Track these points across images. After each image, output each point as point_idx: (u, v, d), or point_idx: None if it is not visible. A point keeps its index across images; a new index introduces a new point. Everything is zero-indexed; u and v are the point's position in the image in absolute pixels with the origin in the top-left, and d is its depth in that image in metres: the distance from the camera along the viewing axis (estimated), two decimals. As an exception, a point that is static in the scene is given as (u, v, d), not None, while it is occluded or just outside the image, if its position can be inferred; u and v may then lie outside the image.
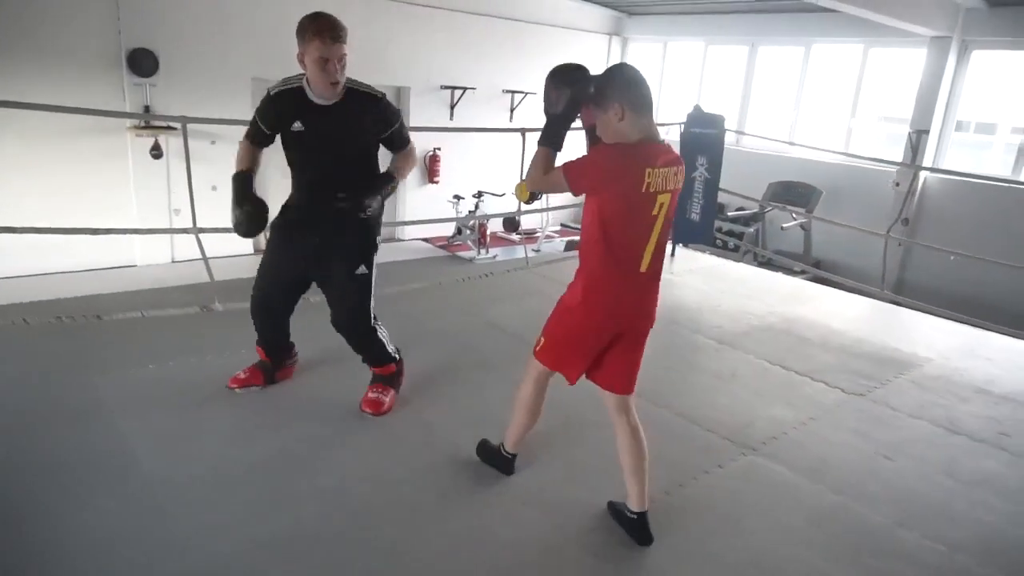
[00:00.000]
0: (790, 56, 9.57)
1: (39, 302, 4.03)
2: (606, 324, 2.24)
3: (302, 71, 2.57)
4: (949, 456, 3.16)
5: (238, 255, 7.56)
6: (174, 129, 6.98)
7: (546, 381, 2.45)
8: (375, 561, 2.19)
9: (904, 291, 7.38)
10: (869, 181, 8.43)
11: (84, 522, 2.23)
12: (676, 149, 2.36)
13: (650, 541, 2.34)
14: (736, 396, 3.58)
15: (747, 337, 4.42)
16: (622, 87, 2.14)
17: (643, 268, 2.19)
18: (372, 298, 2.89)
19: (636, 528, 2.35)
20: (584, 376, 2.38)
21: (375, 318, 2.94)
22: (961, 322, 5.07)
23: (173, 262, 7.64)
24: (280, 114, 2.64)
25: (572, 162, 2.15)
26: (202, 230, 3.96)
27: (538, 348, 2.38)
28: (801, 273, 7.15)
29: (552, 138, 2.23)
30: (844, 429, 3.33)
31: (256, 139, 2.73)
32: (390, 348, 3.02)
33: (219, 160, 7.75)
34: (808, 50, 9.31)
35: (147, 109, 7.12)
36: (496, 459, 2.65)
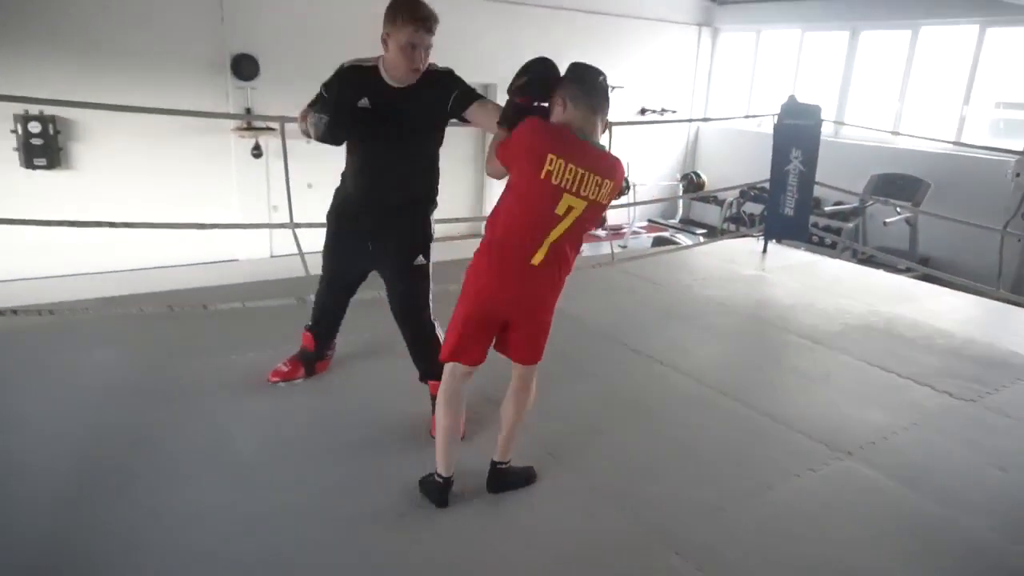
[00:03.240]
0: (895, 40, 9.03)
1: (153, 293, 4.31)
2: (488, 309, 2.20)
3: (381, 52, 2.53)
4: (1072, 470, 2.91)
5: (331, 250, 7.90)
6: (273, 130, 7.32)
7: (459, 377, 2.31)
8: (443, 550, 2.23)
9: None
10: (984, 172, 7.82)
11: (180, 494, 2.39)
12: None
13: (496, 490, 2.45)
14: (829, 398, 3.42)
15: (843, 337, 4.21)
16: (569, 81, 2.13)
17: (535, 262, 2.12)
18: (430, 291, 2.81)
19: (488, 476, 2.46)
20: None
21: (434, 317, 2.84)
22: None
23: (272, 257, 8.01)
24: (347, 87, 2.57)
25: (510, 132, 2.16)
26: (298, 225, 4.14)
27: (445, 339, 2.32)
28: (906, 271, 6.74)
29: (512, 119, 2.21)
30: (951, 437, 3.12)
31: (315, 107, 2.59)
32: None
33: (314, 159, 8.05)
34: (916, 33, 8.74)
35: (248, 111, 7.50)
36: (429, 490, 2.40)
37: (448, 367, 2.32)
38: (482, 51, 9.03)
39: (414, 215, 2.77)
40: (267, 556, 2.15)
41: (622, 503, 2.48)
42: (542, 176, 2.02)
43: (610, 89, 2.21)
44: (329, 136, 2.52)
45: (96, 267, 6.83)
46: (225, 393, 3.09)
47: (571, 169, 2.02)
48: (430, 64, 2.60)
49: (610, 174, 2.10)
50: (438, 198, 2.83)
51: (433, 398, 2.82)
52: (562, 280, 2.24)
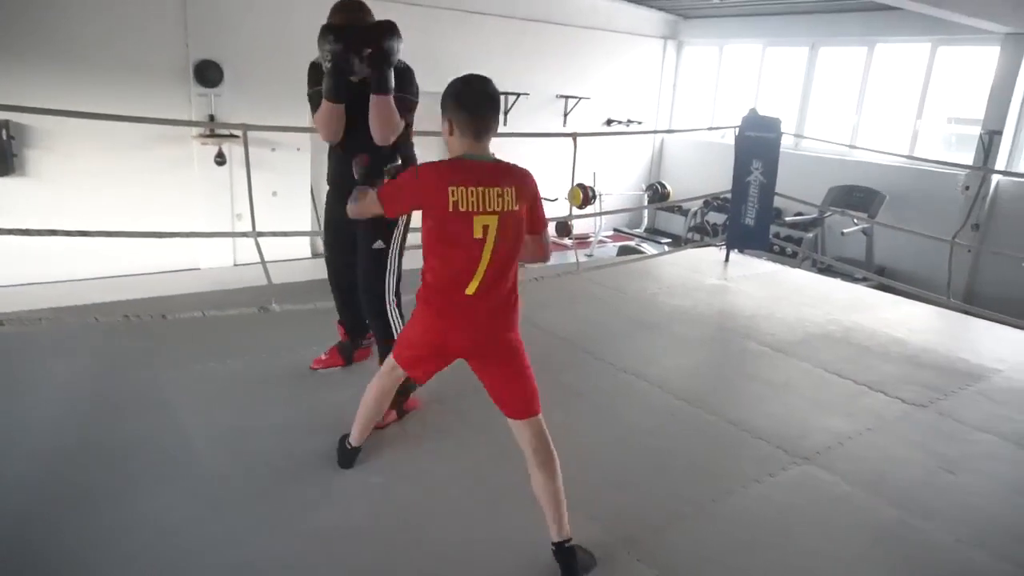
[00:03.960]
0: (852, 57, 9.30)
1: (110, 302, 4.22)
2: (435, 340, 2.21)
3: None
4: (1019, 473, 3.01)
5: (296, 259, 7.80)
6: (236, 137, 7.22)
7: (396, 378, 2.45)
8: (420, 560, 2.23)
9: (974, 300, 7.07)
10: (936, 185, 8.11)
11: (146, 510, 2.34)
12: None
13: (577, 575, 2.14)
14: (790, 405, 3.49)
15: (803, 345, 4.31)
16: (456, 105, 2.06)
17: (469, 291, 2.07)
18: (390, 276, 2.89)
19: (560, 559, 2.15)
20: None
21: (393, 300, 2.91)
22: (1035, 333, 4.83)
23: (235, 265, 7.89)
24: (318, 79, 2.77)
25: (386, 185, 2.23)
26: (261, 234, 4.09)
27: (395, 344, 2.42)
28: (863, 280, 6.92)
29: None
30: (905, 441, 3.21)
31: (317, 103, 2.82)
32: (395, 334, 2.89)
33: (279, 167, 8.01)
34: (872, 50, 9.03)
35: (211, 118, 7.40)
36: (341, 452, 2.64)
37: (389, 365, 2.40)
38: (449, 59, 9.04)
39: None
40: (237, 571, 2.12)
41: (587, 510, 2.49)
42: (450, 209, 2.01)
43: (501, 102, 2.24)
44: (339, 68, 2.63)
45: (53, 276, 6.66)
46: (187, 405, 3.03)
47: (472, 191, 2.00)
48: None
49: (506, 181, 2.06)
50: None
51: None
52: (511, 303, 2.16)
